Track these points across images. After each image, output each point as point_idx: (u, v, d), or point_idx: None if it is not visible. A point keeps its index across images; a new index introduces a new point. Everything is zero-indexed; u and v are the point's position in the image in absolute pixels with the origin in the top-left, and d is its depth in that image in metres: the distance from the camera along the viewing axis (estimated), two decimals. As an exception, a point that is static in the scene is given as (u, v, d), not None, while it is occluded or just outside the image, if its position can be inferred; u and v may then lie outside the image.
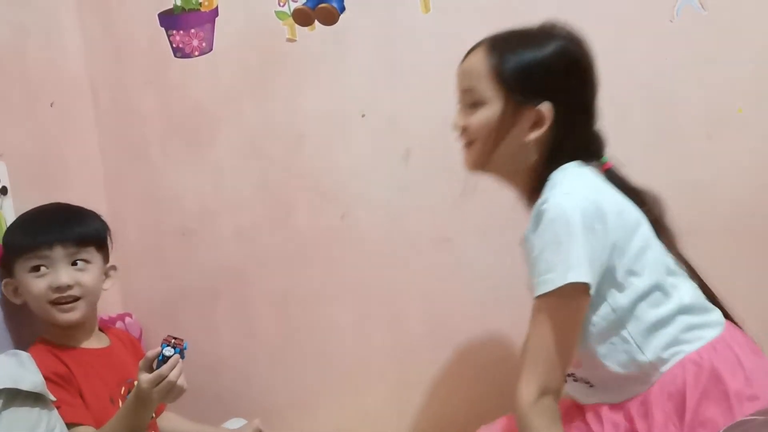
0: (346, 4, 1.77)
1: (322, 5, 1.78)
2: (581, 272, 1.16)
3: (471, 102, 1.29)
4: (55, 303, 1.47)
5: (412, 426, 1.85)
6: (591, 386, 1.30)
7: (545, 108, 1.24)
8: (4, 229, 1.58)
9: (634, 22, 1.60)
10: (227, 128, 1.90)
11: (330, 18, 1.78)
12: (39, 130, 1.79)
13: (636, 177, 1.60)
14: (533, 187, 1.29)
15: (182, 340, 1.30)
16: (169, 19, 1.90)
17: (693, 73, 1.58)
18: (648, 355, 1.22)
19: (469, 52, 1.33)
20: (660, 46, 1.60)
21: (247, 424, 1.69)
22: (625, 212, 1.24)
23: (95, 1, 1.96)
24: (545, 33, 1.30)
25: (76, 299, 1.49)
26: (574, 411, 1.34)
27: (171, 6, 1.89)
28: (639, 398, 1.23)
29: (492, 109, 1.26)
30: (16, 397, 1.24)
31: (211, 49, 1.89)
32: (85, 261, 1.51)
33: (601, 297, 1.22)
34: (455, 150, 1.71)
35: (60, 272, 1.47)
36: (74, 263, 1.50)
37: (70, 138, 1.90)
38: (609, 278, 1.21)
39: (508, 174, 1.33)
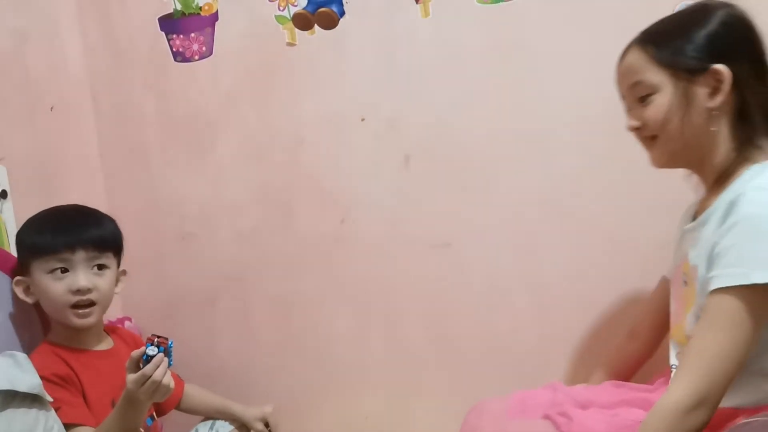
0: (345, 8, 1.77)
1: (322, 10, 1.78)
2: None
3: (639, 96, 1.24)
4: (74, 307, 1.47)
5: (412, 429, 1.84)
6: None
7: (721, 68, 1.15)
8: (4, 232, 1.58)
9: (634, 23, 1.60)
10: (227, 132, 1.91)
11: (330, 22, 1.78)
12: (39, 134, 1.79)
13: (636, 181, 1.61)
14: (724, 171, 1.20)
15: (167, 339, 1.29)
16: (169, 24, 1.91)
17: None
18: None
19: (622, 56, 1.28)
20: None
21: (258, 408, 1.71)
22: None
23: (95, 6, 1.97)
24: (700, 9, 1.23)
25: (92, 304, 1.49)
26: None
27: (171, 10, 1.90)
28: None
29: (665, 93, 1.20)
30: (13, 398, 1.24)
31: (211, 54, 1.89)
32: (104, 266, 1.52)
33: None
34: (455, 154, 1.73)
35: (80, 276, 1.47)
36: (94, 267, 1.50)
37: (70, 142, 1.90)
38: None
39: (699, 160, 1.23)
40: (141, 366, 1.27)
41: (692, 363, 1.09)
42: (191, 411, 1.73)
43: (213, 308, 1.98)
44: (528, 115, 1.67)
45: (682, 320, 1.25)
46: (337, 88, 1.81)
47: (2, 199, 1.62)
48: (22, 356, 1.33)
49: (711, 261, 1.13)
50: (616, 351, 1.53)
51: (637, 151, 1.61)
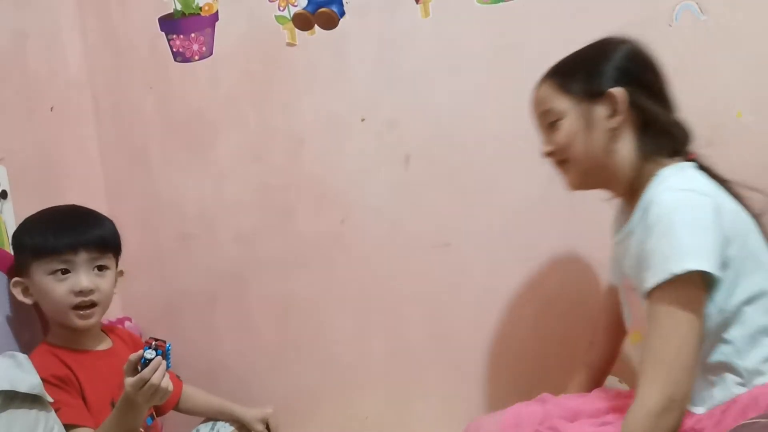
0: (346, 8, 1.77)
1: (323, 10, 1.78)
2: (700, 261, 1.11)
3: (549, 123, 1.33)
4: (76, 308, 1.47)
5: (413, 429, 1.84)
6: None
7: (616, 91, 1.25)
8: (4, 232, 1.58)
9: (633, 26, 1.60)
10: (227, 132, 1.91)
11: (330, 22, 1.79)
12: (39, 134, 1.79)
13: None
14: (633, 184, 1.28)
15: (165, 342, 1.29)
16: (170, 24, 1.91)
17: (692, 78, 1.58)
18: (747, 362, 1.16)
19: (534, 89, 1.37)
20: (659, 50, 1.59)
21: (258, 409, 1.70)
22: (741, 213, 1.21)
23: (96, 6, 1.97)
24: (593, 44, 1.34)
25: (94, 305, 1.49)
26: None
27: (171, 10, 1.90)
28: (721, 407, 1.17)
29: (570, 118, 1.30)
30: (13, 399, 1.24)
31: (211, 54, 1.89)
32: (105, 267, 1.52)
33: (709, 296, 1.16)
34: (455, 154, 1.73)
35: (81, 277, 1.47)
36: (95, 268, 1.50)
37: (70, 142, 1.90)
38: (719, 277, 1.15)
39: (608, 177, 1.32)
40: (139, 369, 1.27)
41: (651, 367, 1.13)
42: (190, 412, 1.73)
43: (213, 308, 1.98)
44: (528, 115, 1.66)
45: (641, 324, 1.27)
46: (338, 88, 1.81)
47: (2, 199, 1.61)
48: (22, 357, 1.33)
49: (639, 267, 1.19)
50: (581, 361, 1.55)
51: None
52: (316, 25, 1.80)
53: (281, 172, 1.88)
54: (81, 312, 1.47)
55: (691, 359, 1.12)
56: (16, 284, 1.49)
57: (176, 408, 1.71)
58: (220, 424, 1.70)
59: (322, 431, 1.92)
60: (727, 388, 1.18)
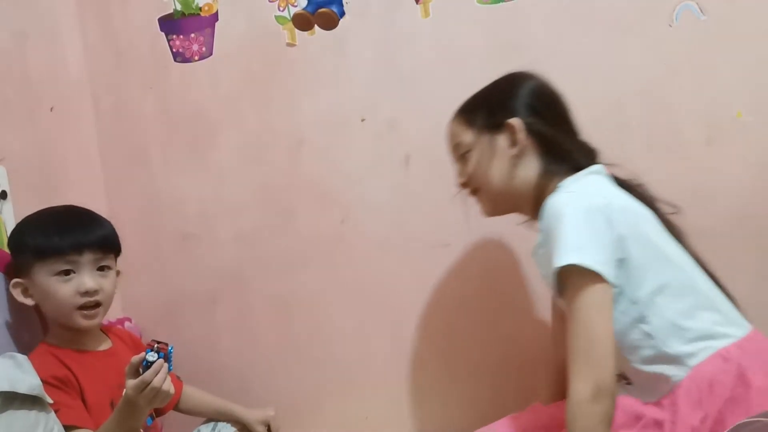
0: (345, 8, 1.77)
1: (322, 10, 1.78)
2: (582, 256, 1.18)
3: (460, 155, 1.43)
4: (81, 308, 1.47)
5: (413, 429, 1.84)
6: (628, 383, 1.30)
7: (513, 121, 1.34)
8: (4, 233, 1.58)
9: (633, 26, 1.61)
10: (227, 133, 1.91)
11: (330, 22, 1.79)
12: (39, 134, 1.79)
13: (636, 178, 1.60)
14: (538, 203, 1.32)
15: (167, 345, 1.29)
16: (169, 24, 1.91)
17: (692, 77, 1.58)
18: (675, 348, 1.22)
19: (448, 125, 1.46)
20: (659, 50, 1.60)
21: (260, 411, 1.71)
22: (632, 208, 1.28)
23: (95, 6, 1.97)
24: (498, 80, 1.43)
25: (98, 305, 1.49)
26: None
27: (171, 11, 1.90)
28: (670, 394, 1.23)
29: (477, 149, 1.39)
30: (13, 399, 1.24)
31: (211, 54, 1.89)
32: (108, 267, 1.52)
33: (619, 291, 1.23)
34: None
35: (86, 277, 1.47)
36: (99, 269, 1.50)
37: (70, 142, 1.90)
38: (624, 272, 1.22)
39: (516, 201, 1.40)
40: (141, 372, 1.27)
41: (574, 361, 1.18)
42: (191, 412, 1.73)
43: (213, 308, 1.97)
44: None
45: None
46: (338, 88, 1.81)
47: (2, 200, 1.61)
48: (22, 357, 1.33)
49: (547, 265, 1.25)
50: (551, 367, 1.56)
51: (637, 152, 1.61)
52: (316, 26, 1.80)
53: (281, 172, 1.87)
54: (86, 312, 1.47)
55: (606, 345, 1.17)
56: (16, 285, 1.48)
57: (176, 408, 1.71)
58: (221, 424, 1.70)
59: (322, 430, 1.91)
60: (668, 378, 1.23)
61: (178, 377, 1.73)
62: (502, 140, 1.36)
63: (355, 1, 1.76)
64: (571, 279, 1.20)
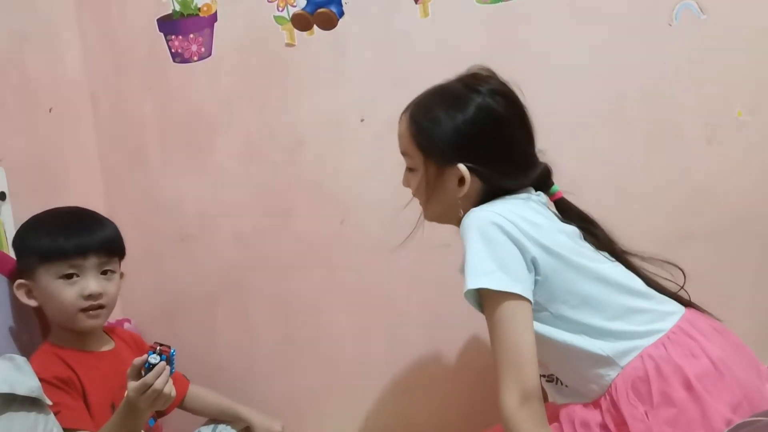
0: (345, 9, 1.77)
1: (321, 10, 1.78)
2: (482, 280, 1.22)
3: (408, 166, 1.39)
4: (84, 310, 1.47)
5: (412, 430, 1.84)
6: (565, 386, 1.33)
7: (462, 168, 1.30)
8: (3, 234, 1.58)
9: (632, 25, 1.60)
10: (226, 133, 1.91)
11: (329, 23, 1.78)
12: (38, 135, 1.78)
13: (635, 181, 1.61)
14: None
15: (169, 347, 1.29)
16: (168, 25, 1.90)
17: (692, 76, 1.58)
18: (605, 350, 1.24)
19: (401, 116, 1.39)
20: (659, 50, 1.60)
21: (269, 421, 1.71)
22: (542, 225, 1.28)
23: (94, 7, 1.96)
24: (462, 93, 1.33)
25: (102, 307, 1.49)
26: (549, 412, 1.35)
27: (170, 11, 1.90)
28: (607, 394, 1.25)
29: (420, 174, 1.35)
30: (12, 401, 1.24)
31: (210, 54, 1.89)
32: (112, 271, 1.52)
33: (538, 304, 1.25)
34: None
35: (90, 281, 1.47)
36: (103, 272, 1.50)
37: (69, 143, 1.90)
38: (541, 287, 1.25)
39: (455, 222, 1.37)
40: (143, 374, 1.27)
41: (499, 370, 1.22)
42: (195, 411, 1.72)
43: (213, 309, 1.97)
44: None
45: None
46: (337, 88, 1.80)
47: (1, 201, 1.61)
48: (21, 359, 1.33)
49: None
50: None
51: (637, 151, 1.61)
52: (315, 26, 1.80)
53: (280, 172, 1.87)
54: (90, 312, 1.47)
55: (526, 353, 1.20)
56: (20, 286, 1.48)
57: (181, 406, 1.70)
58: (221, 426, 1.70)
59: (322, 431, 1.91)
60: (601, 379, 1.26)
61: (184, 376, 1.73)
62: (448, 177, 1.32)
63: (354, 1, 1.76)
64: (485, 298, 1.23)
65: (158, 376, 1.26)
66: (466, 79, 1.36)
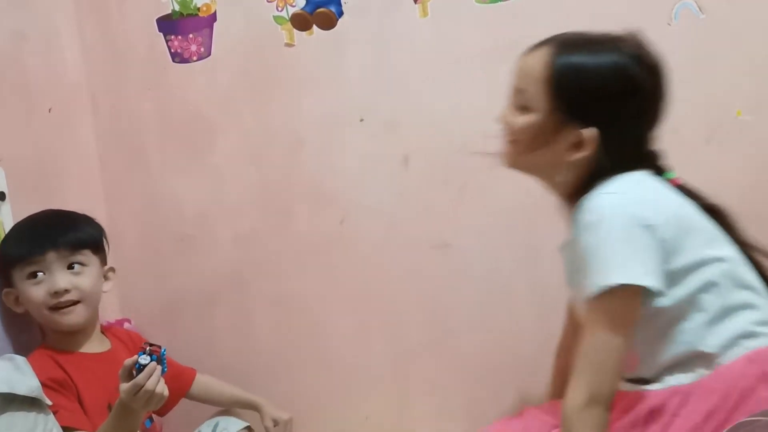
0: (344, 8, 1.77)
1: (321, 10, 1.78)
2: (626, 275, 1.13)
3: (520, 104, 1.26)
4: (55, 308, 1.47)
5: (412, 430, 1.84)
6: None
7: (588, 134, 1.20)
8: (3, 235, 1.58)
9: (632, 25, 1.60)
10: (226, 133, 1.90)
11: (328, 22, 1.78)
12: (37, 135, 1.79)
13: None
14: (574, 195, 1.25)
15: (159, 347, 1.29)
16: (168, 25, 1.90)
17: (691, 76, 1.58)
18: (709, 347, 1.18)
19: (532, 49, 1.26)
20: (658, 49, 1.59)
21: (279, 410, 1.75)
22: (680, 210, 1.22)
23: (93, 7, 1.96)
24: (611, 48, 1.24)
25: (75, 303, 1.49)
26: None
27: (169, 11, 1.90)
28: (684, 388, 1.19)
29: (536, 118, 1.23)
30: (12, 401, 1.24)
31: (209, 54, 1.89)
32: (81, 264, 1.51)
33: (660, 293, 1.17)
34: (454, 155, 1.73)
35: (56, 277, 1.47)
36: (71, 267, 1.50)
37: (68, 144, 1.90)
38: (667, 274, 1.17)
39: (545, 180, 1.30)
40: (134, 375, 1.27)
41: (578, 365, 1.17)
42: (204, 400, 1.75)
43: (213, 309, 1.97)
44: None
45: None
46: (336, 88, 1.80)
47: (1, 201, 1.61)
48: (21, 359, 1.33)
49: (579, 275, 1.21)
50: (553, 369, 1.55)
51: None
52: (314, 26, 1.79)
53: (280, 172, 1.87)
54: (61, 310, 1.47)
55: (615, 366, 1.16)
56: (7, 295, 1.51)
57: (188, 396, 1.72)
58: (222, 423, 1.70)
59: (322, 431, 1.91)
60: (692, 371, 1.19)
61: (191, 367, 1.75)
62: (565, 136, 1.21)
63: (353, 1, 1.76)
64: (606, 296, 1.14)
65: (149, 377, 1.26)
66: (613, 38, 1.26)
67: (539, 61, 1.23)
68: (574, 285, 1.28)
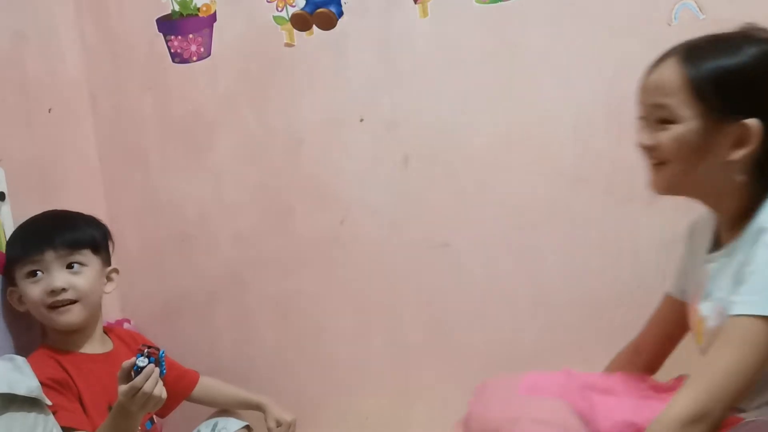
0: (344, 9, 1.77)
1: (321, 10, 1.78)
2: None
3: (660, 118, 1.17)
4: (52, 307, 1.48)
5: (413, 429, 1.84)
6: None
7: (752, 123, 1.11)
8: (2, 235, 1.58)
9: (632, 25, 1.60)
10: (226, 133, 1.90)
11: (328, 23, 1.78)
12: (38, 136, 1.78)
13: (636, 178, 1.60)
14: (743, 207, 1.17)
15: (158, 349, 1.29)
16: (168, 25, 1.90)
17: (691, 76, 1.58)
18: None
19: (657, 63, 1.21)
20: (658, 49, 1.59)
21: (285, 411, 1.73)
22: None
23: (94, 7, 1.96)
24: (746, 38, 1.17)
25: (72, 302, 1.49)
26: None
27: (169, 11, 1.90)
28: None
29: (688, 127, 1.14)
30: (12, 401, 1.24)
31: (209, 55, 1.89)
32: (80, 264, 1.52)
33: None
34: (454, 154, 1.73)
35: (53, 276, 1.48)
36: (70, 266, 1.50)
37: (68, 144, 1.90)
38: None
39: (707, 196, 1.21)
40: (132, 377, 1.26)
41: (699, 378, 1.09)
42: (208, 403, 1.75)
43: (213, 309, 1.97)
44: (527, 115, 1.67)
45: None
46: (336, 88, 1.80)
47: (1, 202, 1.61)
48: (21, 359, 1.33)
49: (734, 286, 1.12)
50: (623, 363, 1.47)
51: (637, 151, 1.61)
52: (314, 26, 1.79)
53: (280, 172, 1.87)
54: (58, 309, 1.48)
55: (740, 389, 1.08)
56: (11, 294, 1.53)
57: (191, 399, 1.72)
58: (221, 424, 1.70)
59: (322, 430, 1.91)
60: None
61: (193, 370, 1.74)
62: (726, 134, 1.13)
63: (353, 1, 1.76)
64: (762, 322, 1.06)
65: (147, 379, 1.26)
66: (743, 29, 1.19)
67: (672, 71, 1.17)
68: (714, 294, 1.19)
